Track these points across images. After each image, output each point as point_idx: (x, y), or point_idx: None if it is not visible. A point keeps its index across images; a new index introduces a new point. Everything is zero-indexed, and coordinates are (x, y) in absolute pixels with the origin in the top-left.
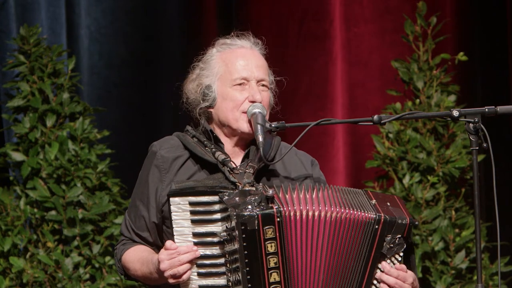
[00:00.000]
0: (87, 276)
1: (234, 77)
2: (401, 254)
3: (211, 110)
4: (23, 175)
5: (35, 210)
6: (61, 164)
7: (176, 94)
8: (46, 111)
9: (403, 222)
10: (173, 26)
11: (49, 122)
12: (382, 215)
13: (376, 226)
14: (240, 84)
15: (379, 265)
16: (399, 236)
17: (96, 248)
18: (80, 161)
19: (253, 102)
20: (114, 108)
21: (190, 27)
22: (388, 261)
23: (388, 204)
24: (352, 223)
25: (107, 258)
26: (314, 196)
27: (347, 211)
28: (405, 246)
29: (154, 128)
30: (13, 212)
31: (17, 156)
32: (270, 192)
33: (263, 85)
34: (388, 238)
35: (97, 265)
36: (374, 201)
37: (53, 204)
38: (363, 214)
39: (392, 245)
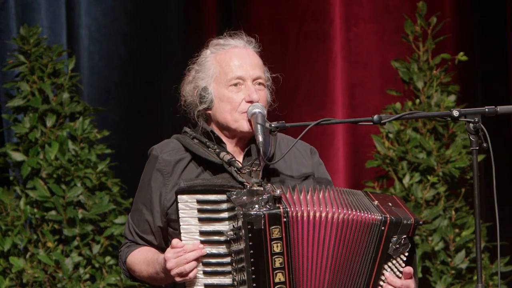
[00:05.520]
0: (87, 276)
1: (230, 77)
2: (406, 254)
3: (209, 112)
4: (23, 175)
5: (35, 210)
6: (61, 164)
7: (174, 97)
8: (46, 111)
9: (409, 222)
10: (173, 26)
11: (49, 122)
12: (388, 216)
13: (382, 228)
14: (236, 85)
15: (385, 266)
16: (405, 236)
17: (96, 248)
18: (80, 161)
19: (250, 102)
20: (114, 108)
21: (190, 27)
22: (394, 261)
23: (390, 204)
24: (358, 224)
25: (107, 258)
26: (320, 197)
27: (353, 212)
28: (410, 246)
29: (154, 128)
30: (13, 212)
31: (17, 156)
32: (278, 192)
33: (259, 84)
34: (394, 239)
35: (97, 265)
36: (376, 202)
37: (53, 204)
38: (368, 215)
39: (398, 246)
